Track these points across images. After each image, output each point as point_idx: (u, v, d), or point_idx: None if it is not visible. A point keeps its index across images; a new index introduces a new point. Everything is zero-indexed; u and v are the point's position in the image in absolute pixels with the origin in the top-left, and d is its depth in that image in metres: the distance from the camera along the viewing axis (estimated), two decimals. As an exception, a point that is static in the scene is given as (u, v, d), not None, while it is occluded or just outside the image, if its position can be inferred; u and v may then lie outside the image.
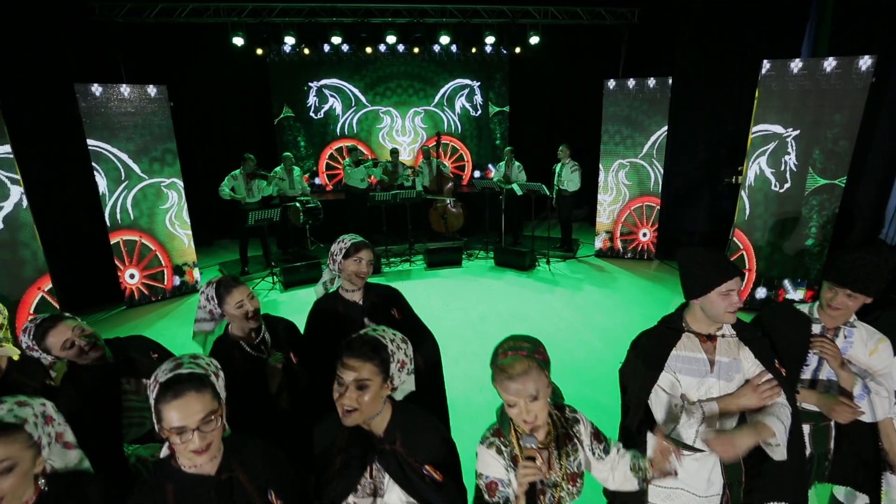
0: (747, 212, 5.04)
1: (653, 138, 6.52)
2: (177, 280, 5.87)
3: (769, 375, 1.68)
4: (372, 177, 7.72)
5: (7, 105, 3.88)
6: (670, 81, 6.25)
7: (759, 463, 1.83)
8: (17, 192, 3.94)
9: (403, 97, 8.67)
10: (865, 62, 4.37)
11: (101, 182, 5.14)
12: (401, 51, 8.26)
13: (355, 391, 1.30)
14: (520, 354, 1.40)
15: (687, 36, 6.42)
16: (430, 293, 5.71)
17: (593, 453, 1.52)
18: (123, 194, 5.30)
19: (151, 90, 5.40)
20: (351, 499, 1.39)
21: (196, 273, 6.05)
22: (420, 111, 8.75)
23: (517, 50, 8.34)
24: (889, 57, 4.55)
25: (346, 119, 8.55)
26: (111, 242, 5.28)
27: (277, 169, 6.86)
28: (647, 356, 1.75)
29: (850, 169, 4.62)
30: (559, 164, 7.07)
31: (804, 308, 1.96)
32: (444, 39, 7.66)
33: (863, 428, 1.98)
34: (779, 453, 1.60)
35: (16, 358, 1.95)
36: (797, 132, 4.72)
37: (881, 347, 1.81)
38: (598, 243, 7.17)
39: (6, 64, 4.15)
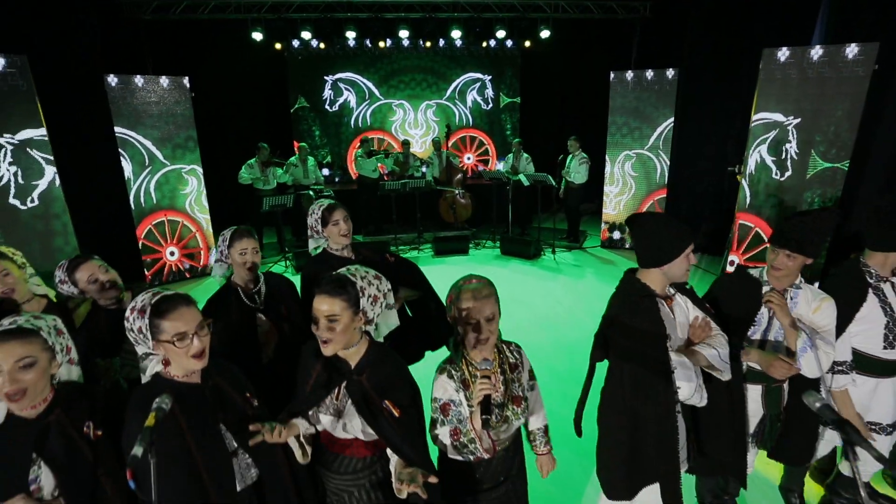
0: (748, 200, 5.09)
1: (659, 130, 6.59)
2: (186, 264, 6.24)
3: (703, 315, 1.83)
4: (383, 167, 7.97)
5: (43, 93, 4.25)
6: (669, 74, 6.30)
7: (701, 430, 1.98)
8: (50, 172, 4.31)
9: (416, 90, 8.90)
10: (866, 49, 4.39)
11: (127, 167, 5.51)
12: (413, 45, 8.48)
13: (327, 324, 1.51)
14: (484, 282, 1.62)
15: (696, 29, 6.46)
16: (435, 279, 5.90)
17: (529, 388, 1.71)
18: (147, 178, 5.67)
19: (174, 81, 5.76)
20: (321, 414, 1.60)
21: (211, 257, 6.41)
22: (432, 104, 8.97)
23: (527, 44, 8.45)
24: (893, 44, 4.54)
25: (360, 112, 8.83)
26: (154, 222, 5.74)
27: (293, 158, 7.17)
28: (648, 325, 1.72)
29: (855, 156, 4.62)
30: (569, 156, 7.19)
31: (755, 272, 2.09)
32: (456, 34, 7.85)
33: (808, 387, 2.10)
34: (725, 375, 1.76)
35: (54, 299, 2.24)
36: (798, 120, 4.76)
37: (824, 306, 1.94)
38: (602, 234, 7.27)
39: (43, 56, 4.51)
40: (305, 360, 1.66)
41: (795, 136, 4.79)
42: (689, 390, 1.66)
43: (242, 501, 1.54)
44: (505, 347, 1.71)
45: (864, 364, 2.09)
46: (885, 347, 2.03)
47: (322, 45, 8.16)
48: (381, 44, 8.16)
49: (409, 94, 8.88)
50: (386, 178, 7.93)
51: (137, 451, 1.14)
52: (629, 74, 6.58)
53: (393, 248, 7.15)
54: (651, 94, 6.53)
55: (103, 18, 5.71)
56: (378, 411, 1.56)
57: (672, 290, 1.88)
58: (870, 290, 2.03)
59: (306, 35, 7.53)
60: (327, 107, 8.72)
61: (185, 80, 5.84)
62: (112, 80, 5.32)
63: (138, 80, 5.52)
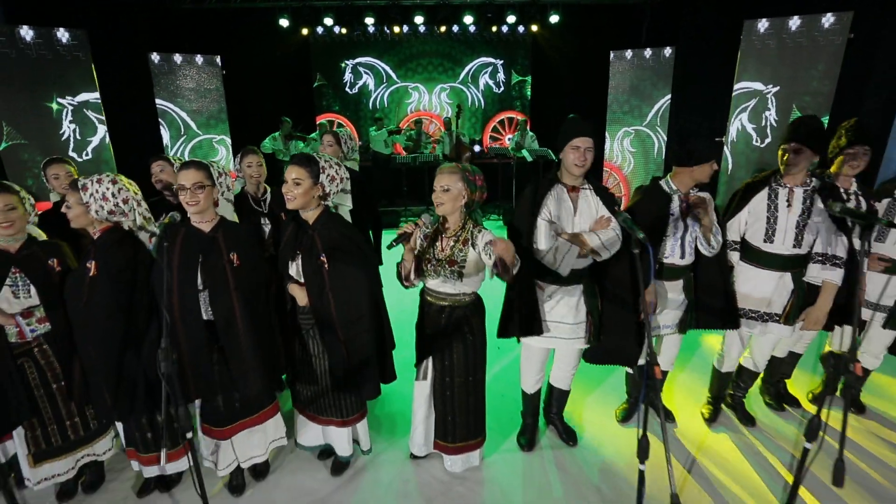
0: (730, 167, 5.42)
1: (656, 107, 6.92)
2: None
3: (608, 214, 2.31)
4: (397, 144, 8.57)
5: (98, 63, 5.02)
6: (667, 52, 6.63)
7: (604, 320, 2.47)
8: (102, 130, 5.09)
9: (432, 74, 9.47)
10: (841, 18, 4.67)
11: (165, 134, 6.30)
12: (428, 31, 9.05)
13: (293, 185, 2.07)
14: (456, 167, 2.14)
15: (691, 7, 6.78)
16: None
17: (484, 253, 2.16)
18: (182, 145, 6.45)
19: (208, 60, 6.52)
20: (290, 262, 2.19)
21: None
22: (446, 87, 9.52)
23: (534, 28, 8.87)
24: (865, 13, 4.79)
25: (378, 94, 9.47)
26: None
27: (314, 134, 7.86)
28: (529, 200, 2.39)
29: (833, 115, 4.82)
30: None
31: (665, 186, 2.51)
32: (469, 20, 8.38)
33: (714, 277, 2.54)
34: (603, 256, 2.25)
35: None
36: (777, 88, 5.07)
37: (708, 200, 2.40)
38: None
39: (99, 32, 5.30)
40: (285, 225, 2.24)
41: (774, 103, 5.10)
42: (555, 259, 2.24)
43: (210, 328, 2.10)
44: (472, 227, 2.20)
45: (750, 254, 2.50)
46: (765, 241, 2.45)
47: (343, 31, 8.82)
48: (398, 29, 8.76)
49: (425, 78, 9.47)
50: (398, 152, 8.51)
51: (156, 238, 1.72)
52: (628, 53, 6.95)
53: (403, 219, 7.73)
54: (649, 72, 6.87)
55: (150, 4, 6.53)
56: (315, 259, 2.12)
57: (587, 185, 2.36)
58: (765, 189, 2.44)
59: (328, 21, 8.23)
60: (347, 89, 9.40)
61: (217, 59, 6.60)
62: (155, 57, 6.11)
63: (177, 57, 6.31)
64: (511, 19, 8.48)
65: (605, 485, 2.46)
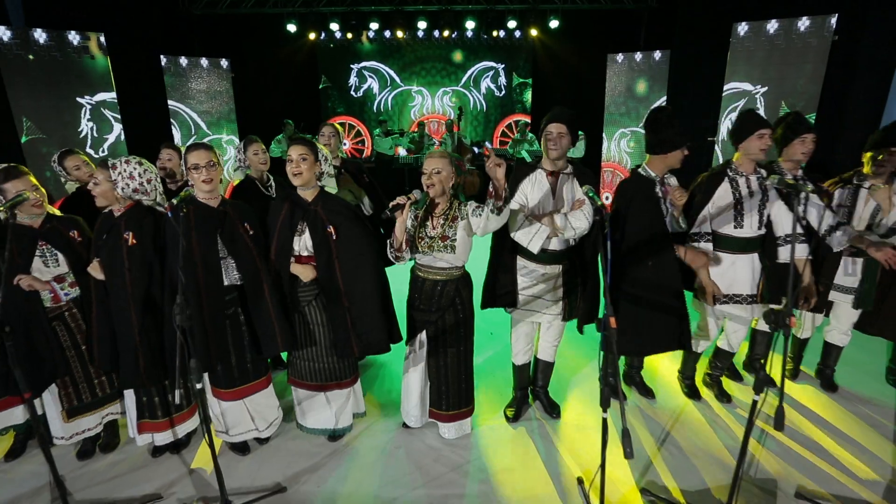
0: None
1: (652, 108, 7.11)
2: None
3: (584, 198, 2.50)
4: (399, 147, 8.81)
5: (115, 66, 5.31)
6: (657, 55, 6.83)
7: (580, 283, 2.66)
8: (117, 128, 5.36)
9: (435, 78, 9.74)
10: (818, 21, 4.86)
11: (176, 134, 6.57)
12: (431, 36, 9.32)
13: (300, 161, 2.30)
14: (441, 151, 2.39)
15: (685, 12, 6.99)
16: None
17: (472, 215, 2.35)
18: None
19: (215, 63, 6.81)
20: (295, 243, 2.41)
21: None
22: (448, 91, 9.78)
23: (534, 33, 9.10)
24: (848, 16, 4.98)
25: (382, 97, 9.75)
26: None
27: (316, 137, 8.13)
28: (513, 182, 2.60)
29: (820, 113, 5.00)
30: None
31: (643, 172, 2.72)
32: (470, 25, 8.65)
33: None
34: (567, 235, 2.46)
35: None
36: (765, 88, 5.25)
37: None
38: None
39: (116, 35, 5.59)
40: (274, 207, 2.46)
41: (763, 102, 5.28)
42: (525, 236, 2.46)
43: (228, 293, 2.34)
44: (459, 205, 2.42)
45: (722, 242, 2.69)
46: (735, 227, 2.63)
47: (349, 36, 9.12)
48: (401, 34, 9.04)
49: (428, 82, 9.73)
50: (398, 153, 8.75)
51: (174, 208, 1.94)
52: (622, 57, 7.16)
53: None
54: (644, 74, 7.08)
55: (163, 10, 6.84)
56: (323, 230, 2.34)
57: (569, 169, 2.57)
58: (725, 180, 2.64)
59: (334, 27, 8.52)
60: (352, 92, 9.68)
61: (223, 62, 6.88)
62: (166, 59, 6.40)
63: (188, 60, 6.59)
64: (512, 24, 8.74)
65: (583, 451, 2.64)
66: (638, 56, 7.05)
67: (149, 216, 2.32)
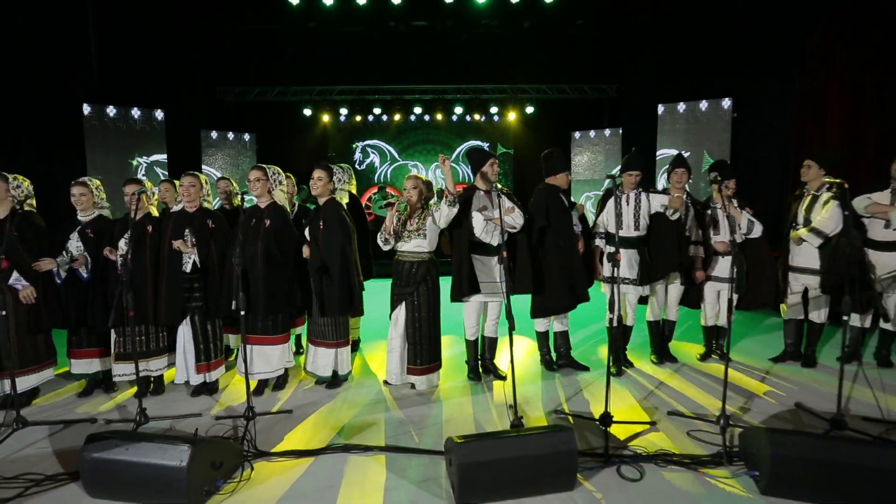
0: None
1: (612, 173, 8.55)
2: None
3: (512, 204, 3.66)
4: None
5: (168, 135, 6.78)
6: (606, 133, 8.40)
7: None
8: (164, 182, 6.70)
9: (429, 155, 11.37)
10: (725, 102, 6.35)
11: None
12: (425, 119, 11.09)
13: (318, 181, 3.50)
14: (416, 174, 3.58)
15: (632, 100, 8.69)
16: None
17: (433, 211, 3.50)
18: (218, 204, 8.06)
19: (239, 137, 8.38)
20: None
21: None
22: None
23: (512, 116, 10.84)
24: (743, 98, 6.50)
25: (383, 170, 11.32)
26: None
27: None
28: (464, 200, 3.76)
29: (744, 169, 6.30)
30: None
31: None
32: (459, 110, 10.42)
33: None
34: (516, 229, 3.56)
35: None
36: (688, 153, 6.63)
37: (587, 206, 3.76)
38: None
39: (170, 110, 7.13)
40: (311, 214, 3.63)
41: (695, 166, 6.64)
42: (479, 228, 3.54)
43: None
44: (429, 208, 3.58)
45: (613, 240, 3.79)
46: (620, 228, 3.76)
47: (356, 119, 10.87)
48: (398, 117, 10.80)
49: (422, 158, 11.36)
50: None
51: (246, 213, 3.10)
52: (577, 134, 8.74)
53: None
54: (601, 147, 8.60)
55: (206, 93, 8.56)
56: (327, 227, 3.49)
57: (497, 188, 3.75)
58: (613, 197, 3.80)
59: (343, 111, 10.29)
60: (357, 166, 11.27)
61: (246, 136, 8.46)
62: (206, 134, 7.96)
63: (221, 134, 8.16)
64: (494, 109, 10.51)
65: (521, 401, 3.54)
66: (592, 133, 8.62)
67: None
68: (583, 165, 8.85)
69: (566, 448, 2.33)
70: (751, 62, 6.36)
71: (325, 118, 10.74)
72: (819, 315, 3.98)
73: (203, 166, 7.95)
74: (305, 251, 3.54)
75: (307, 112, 10.14)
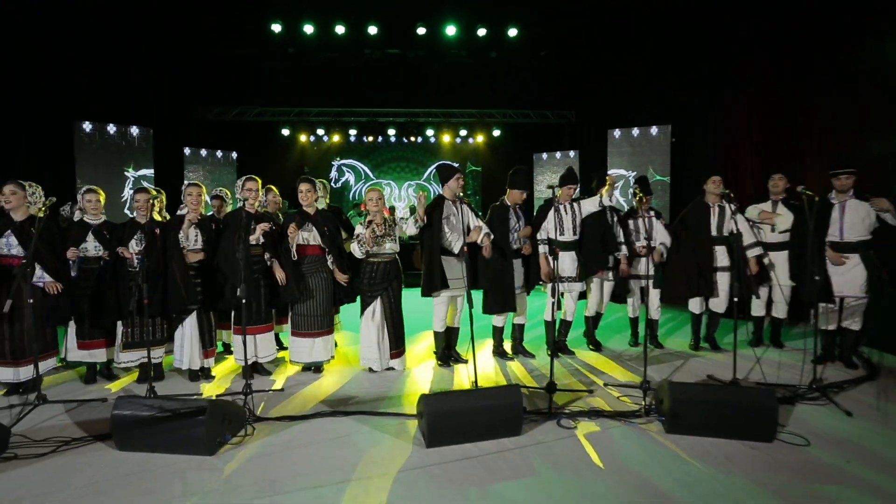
0: (612, 228, 7.66)
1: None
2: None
3: (476, 221, 4.31)
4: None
5: (155, 151, 7.22)
6: (557, 154, 9.26)
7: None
8: (150, 196, 7.11)
9: (401, 174, 12.05)
10: (666, 128, 7.28)
11: (189, 206, 8.36)
12: (399, 140, 11.81)
13: (307, 192, 4.09)
14: (378, 188, 4.20)
15: (587, 125, 9.62)
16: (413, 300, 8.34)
17: (401, 222, 4.14)
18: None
19: (227, 155, 8.87)
20: (301, 233, 4.11)
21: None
22: (412, 183, 12.05)
23: (480, 139, 11.67)
24: (681, 125, 7.44)
25: (357, 188, 11.91)
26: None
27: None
28: (432, 209, 4.41)
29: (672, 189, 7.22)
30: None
31: (501, 202, 4.58)
32: (430, 132, 11.17)
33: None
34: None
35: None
36: (634, 173, 7.50)
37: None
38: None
39: (157, 130, 7.59)
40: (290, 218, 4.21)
41: (632, 183, 7.50)
42: (455, 241, 4.17)
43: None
44: (393, 219, 4.20)
45: (554, 243, 4.48)
46: (559, 235, 4.46)
47: (333, 139, 11.48)
48: (371, 139, 11.47)
49: (395, 176, 12.03)
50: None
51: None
52: (544, 155, 9.60)
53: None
54: (561, 168, 9.43)
55: (187, 118, 9.04)
56: (322, 228, 4.07)
57: (459, 200, 4.39)
58: (552, 207, 4.51)
59: (320, 131, 10.89)
60: (333, 184, 11.83)
61: (226, 153, 8.96)
62: (188, 150, 8.42)
63: (204, 152, 8.63)
64: (463, 132, 11.31)
65: (480, 382, 4.13)
66: (558, 154, 9.48)
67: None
68: (545, 184, 9.67)
69: (514, 401, 2.95)
70: (686, 96, 7.34)
71: (303, 138, 11.32)
72: (719, 305, 4.74)
73: (185, 182, 8.40)
74: (292, 229, 4.06)
75: (285, 132, 10.70)
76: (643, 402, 3.28)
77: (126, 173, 6.99)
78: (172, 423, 2.74)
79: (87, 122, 6.80)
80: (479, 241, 4.17)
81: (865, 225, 3.97)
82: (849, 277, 4.03)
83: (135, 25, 7.50)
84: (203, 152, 8.70)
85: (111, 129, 6.91)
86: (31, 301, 3.37)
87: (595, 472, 2.57)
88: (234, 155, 9.00)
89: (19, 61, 6.20)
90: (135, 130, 7.17)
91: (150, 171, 7.20)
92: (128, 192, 6.91)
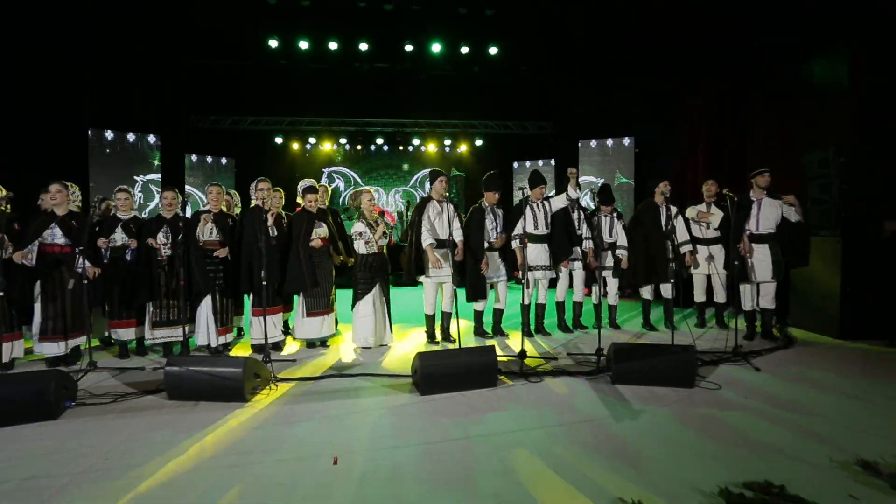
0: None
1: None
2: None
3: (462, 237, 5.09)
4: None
5: (162, 157, 7.85)
6: (539, 162, 10.14)
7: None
8: (157, 197, 7.72)
9: (389, 181, 12.80)
10: (631, 140, 8.18)
11: (188, 209, 8.96)
12: (386, 149, 12.57)
13: (318, 200, 4.82)
14: (368, 189, 4.95)
15: (561, 135, 10.51)
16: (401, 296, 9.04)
17: (383, 222, 4.89)
18: (201, 218, 9.12)
19: (224, 161, 9.51)
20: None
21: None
22: (399, 190, 12.80)
23: (464, 147, 12.52)
24: (644, 137, 8.36)
25: (346, 193, 12.60)
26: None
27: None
28: (417, 209, 5.15)
29: (636, 195, 8.13)
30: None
31: (479, 204, 5.36)
32: (416, 141, 11.96)
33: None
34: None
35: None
36: (602, 180, 8.38)
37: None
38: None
39: (161, 136, 8.23)
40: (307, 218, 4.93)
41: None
42: (441, 231, 4.94)
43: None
44: (382, 220, 4.94)
45: (530, 238, 5.27)
46: (534, 228, 5.25)
47: (324, 147, 12.19)
48: (360, 147, 12.22)
49: (383, 183, 12.77)
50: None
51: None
52: (527, 163, 10.45)
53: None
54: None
55: (186, 127, 9.68)
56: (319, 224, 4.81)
57: (445, 200, 5.16)
58: (527, 206, 5.30)
59: (312, 140, 11.59)
60: (323, 189, 12.50)
61: (224, 160, 9.61)
62: (194, 157, 9.05)
63: (202, 158, 9.26)
64: (448, 142, 12.13)
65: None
66: (540, 162, 10.35)
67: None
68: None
69: (491, 359, 3.70)
70: (648, 111, 8.28)
71: (295, 146, 12.01)
72: (668, 290, 5.58)
73: (187, 187, 9.01)
74: (315, 243, 4.77)
75: (278, 140, 11.37)
76: (597, 364, 4.06)
77: (135, 178, 7.59)
78: (216, 375, 3.42)
79: (103, 130, 7.41)
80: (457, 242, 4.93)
81: (774, 220, 4.87)
82: (762, 265, 4.91)
83: (135, 40, 8.15)
84: (207, 159, 9.36)
85: (123, 136, 7.52)
86: (85, 282, 4.01)
87: (554, 409, 3.33)
88: (226, 161, 9.63)
89: (37, 75, 6.80)
90: (150, 138, 7.79)
91: (156, 176, 7.82)
92: (137, 193, 7.50)
